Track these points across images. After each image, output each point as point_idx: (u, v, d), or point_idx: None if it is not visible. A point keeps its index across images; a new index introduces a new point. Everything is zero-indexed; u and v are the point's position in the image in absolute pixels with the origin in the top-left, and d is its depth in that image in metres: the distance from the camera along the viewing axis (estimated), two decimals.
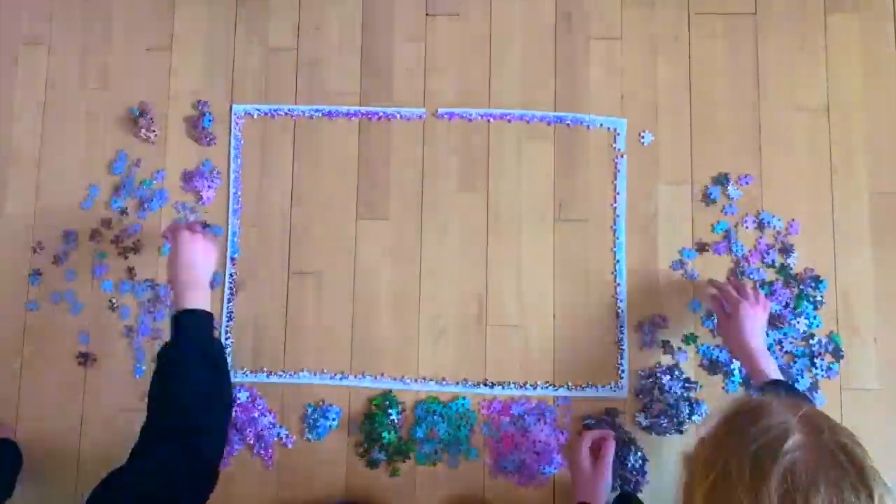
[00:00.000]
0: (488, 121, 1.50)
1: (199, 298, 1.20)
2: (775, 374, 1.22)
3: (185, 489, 1.01)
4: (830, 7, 1.50)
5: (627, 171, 1.47)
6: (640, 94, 1.50)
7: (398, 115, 1.51)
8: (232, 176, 1.51)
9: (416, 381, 1.44)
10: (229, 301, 1.48)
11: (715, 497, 0.74)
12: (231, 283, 1.48)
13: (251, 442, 1.42)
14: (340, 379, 1.44)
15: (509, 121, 1.50)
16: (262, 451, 1.42)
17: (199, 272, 1.24)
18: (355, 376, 1.44)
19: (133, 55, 1.57)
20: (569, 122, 1.49)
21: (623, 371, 1.42)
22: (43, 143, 1.55)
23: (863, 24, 1.49)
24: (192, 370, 1.12)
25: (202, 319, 1.19)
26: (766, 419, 0.77)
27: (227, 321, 1.47)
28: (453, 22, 1.54)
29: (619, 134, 1.48)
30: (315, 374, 1.45)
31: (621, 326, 1.43)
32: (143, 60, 1.56)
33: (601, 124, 1.49)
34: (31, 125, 1.55)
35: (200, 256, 1.25)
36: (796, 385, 1.36)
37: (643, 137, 1.47)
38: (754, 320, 1.28)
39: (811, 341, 1.40)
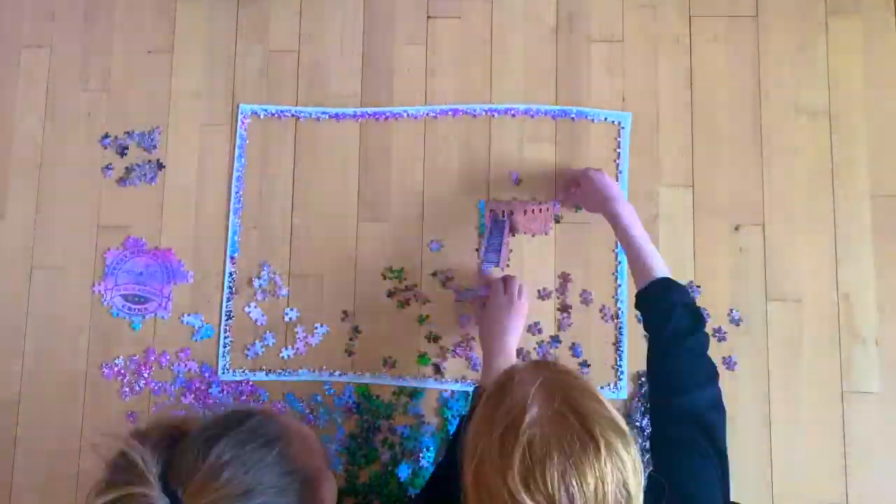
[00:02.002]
0: (492, 116, 1.50)
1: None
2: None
3: None
4: (831, 9, 1.50)
5: (628, 172, 1.47)
6: (642, 96, 1.49)
7: (405, 114, 1.51)
8: (234, 175, 1.51)
9: (415, 377, 1.43)
10: (228, 300, 1.48)
11: (478, 481, 0.79)
12: (231, 282, 1.48)
13: None
14: (339, 375, 1.44)
15: (513, 115, 1.50)
16: None
17: (511, 341, 1.30)
18: (356, 373, 1.45)
19: (134, 57, 1.57)
20: (573, 116, 1.49)
21: (622, 372, 1.42)
22: (44, 145, 1.55)
23: (864, 25, 1.49)
24: None
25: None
26: (510, 398, 0.83)
27: (227, 320, 1.47)
28: (454, 24, 1.54)
29: (623, 128, 1.49)
30: (314, 372, 1.45)
31: (620, 328, 1.43)
32: (144, 62, 1.57)
33: (605, 118, 1.49)
34: (32, 127, 1.56)
35: (514, 326, 1.30)
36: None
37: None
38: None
39: None
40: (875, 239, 1.43)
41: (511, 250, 1.46)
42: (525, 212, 1.46)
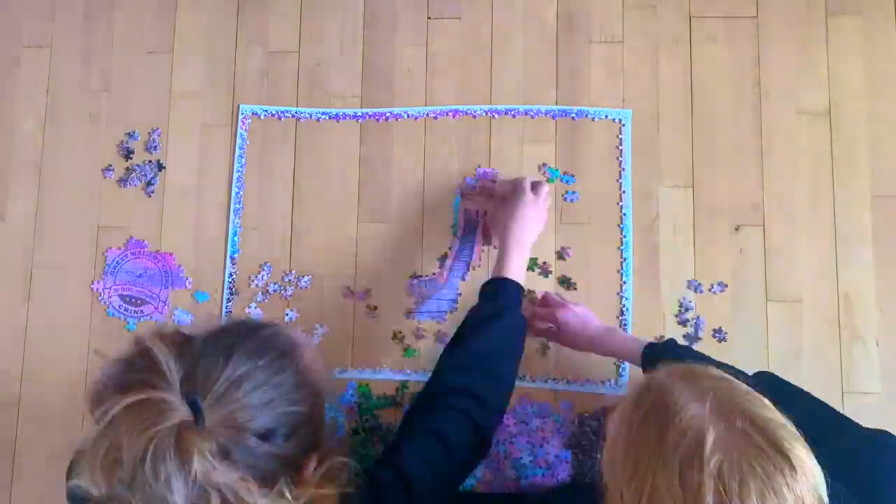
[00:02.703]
0: (492, 117, 1.50)
1: (519, 267, 1.27)
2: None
3: (464, 454, 1.06)
4: (832, 10, 1.50)
5: (630, 171, 1.48)
6: (642, 97, 1.50)
7: (405, 115, 1.51)
8: (234, 175, 1.51)
9: (416, 371, 1.44)
10: (229, 301, 1.48)
11: None
12: (231, 283, 1.48)
13: None
14: (339, 373, 1.44)
15: (513, 116, 1.50)
16: None
17: (528, 237, 1.31)
18: (356, 369, 1.45)
19: (135, 58, 1.57)
20: (573, 115, 1.50)
21: (624, 369, 1.42)
22: (45, 146, 1.55)
23: (864, 26, 1.49)
24: (486, 341, 1.15)
25: (515, 288, 1.24)
26: (678, 418, 0.75)
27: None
28: (454, 25, 1.55)
29: (624, 125, 1.49)
30: None
31: (624, 326, 1.43)
32: (144, 63, 1.57)
33: (606, 115, 1.49)
34: (32, 128, 1.56)
35: (533, 221, 1.32)
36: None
37: None
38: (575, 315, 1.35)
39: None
40: (875, 239, 1.43)
41: (483, 249, 1.46)
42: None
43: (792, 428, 0.75)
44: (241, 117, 1.53)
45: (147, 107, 1.55)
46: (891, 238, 1.43)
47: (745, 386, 0.79)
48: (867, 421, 1.36)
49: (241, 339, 0.80)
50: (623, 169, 1.48)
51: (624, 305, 1.44)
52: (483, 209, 1.46)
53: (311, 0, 1.56)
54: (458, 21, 1.55)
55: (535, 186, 1.37)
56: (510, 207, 1.33)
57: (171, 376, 0.72)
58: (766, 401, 0.77)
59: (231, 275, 1.49)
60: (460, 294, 1.45)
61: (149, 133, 1.54)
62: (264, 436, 0.74)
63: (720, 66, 1.50)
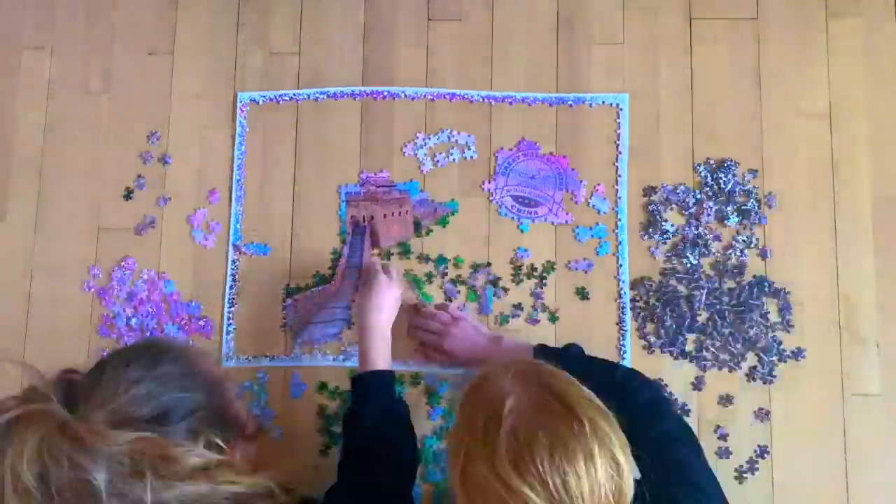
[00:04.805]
0: (490, 103, 1.51)
1: (381, 355, 1.26)
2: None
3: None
4: (832, 12, 1.50)
5: (628, 173, 1.47)
6: (642, 98, 1.50)
7: (403, 94, 1.52)
8: (235, 162, 1.52)
9: (406, 362, 1.44)
10: (231, 287, 1.48)
11: (467, 480, 0.81)
12: (234, 269, 1.48)
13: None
14: (344, 360, 1.44)
15: (510, 104, 1.51)
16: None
17: (385, 319, 1.30)
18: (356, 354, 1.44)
19: (135, 59, 1.57)
20: (570, 102, 1.50)
21: (625, 352, 1.42)
22: (45, 148, 1.55)
23: (865, 27, 1.49)
24: (371, 433, 1.16)
25: (383, 381, 1.23)
26: (486, 391, 0.86)
27: (230, 307, 1.47)
28: (454, 27, 1.55)
29: (621, 109, 1.49)
30: (312, 356, 1.45)
31: (623, 308, 1.43)
32: (145, 64, 1.57)
33: (603, 101, 1.49)
34: (33, 129, 1.56)
35: (389, 304, 1.31)
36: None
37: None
38: (465, 329, 1.36)
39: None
40: (876, 240, 1.43)
41: (372, 253, 1.47)
42: (385, 216, 1.47)
43: (598, 402, 0.84)
44: (239, 104, 1.53)
45: (147, 108, 1.55)
46: (891, 239, 1.43)
47: (558, 369, 0.89)
48: (868, 423, 1.37)
49: (117, 352, 0.94)
50: (620, 152, 1.48)
51: (621, 289, 1.43)
52: (370, 215, 1.47)
53: (311, 1, 1.57)
54: (459, 23, 1.55)
55: (386, 269, 1.35)
56: (364, 297, 1.31)
57: (46, 390, 0.84)
58: (574, 379, 0.87)
59: (234, 262, 1.49)
60: (353, 301, 1.46)
61: (149, 135, 1.54)
62: (157, 420, 0.85)
63: (720, 68, 1.50)
